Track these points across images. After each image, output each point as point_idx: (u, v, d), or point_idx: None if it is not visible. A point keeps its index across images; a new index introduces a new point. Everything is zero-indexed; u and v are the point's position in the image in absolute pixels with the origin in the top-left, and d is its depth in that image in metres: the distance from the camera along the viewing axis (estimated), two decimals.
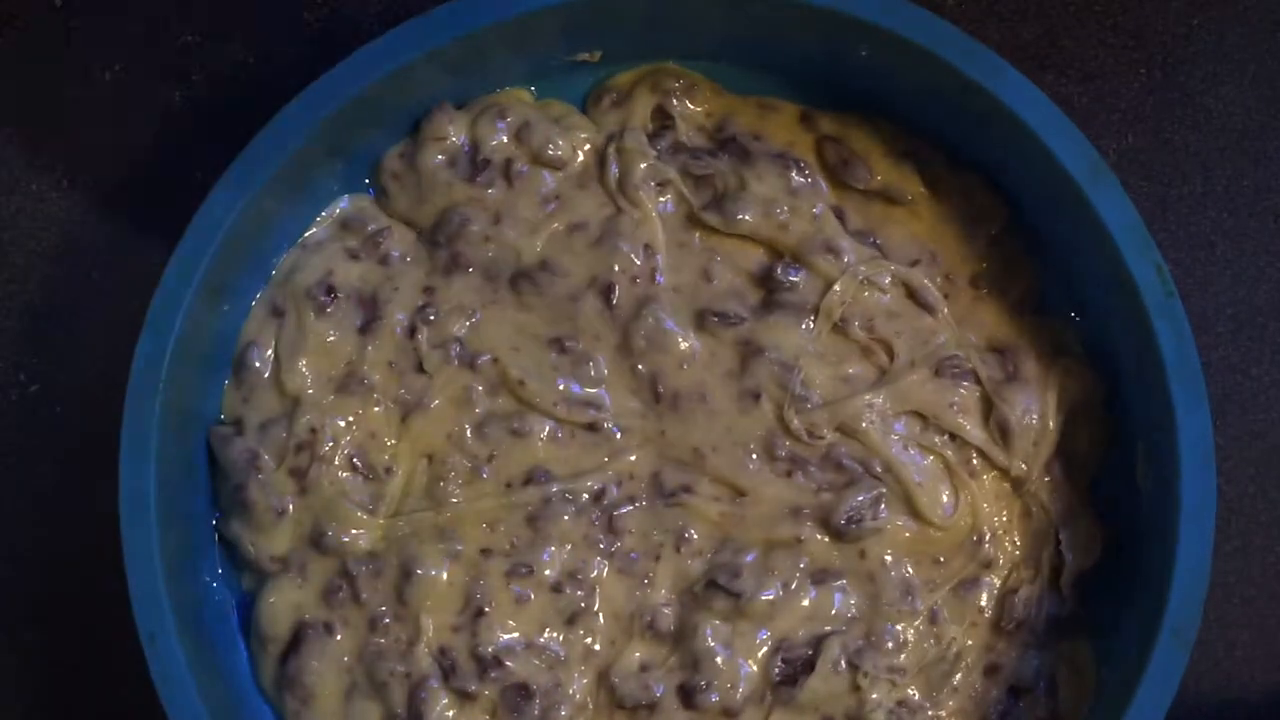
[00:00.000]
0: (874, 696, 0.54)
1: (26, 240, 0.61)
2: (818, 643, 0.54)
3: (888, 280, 0.56)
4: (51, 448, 0.60)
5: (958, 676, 0.55)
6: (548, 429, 0.55)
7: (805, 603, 0.54)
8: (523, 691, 0.54)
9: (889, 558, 0.55)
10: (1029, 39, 0.61)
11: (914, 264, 0.56)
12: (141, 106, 0.61)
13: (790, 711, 0.54)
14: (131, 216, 0.60)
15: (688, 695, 0.54)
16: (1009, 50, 0.55)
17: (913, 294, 0.56)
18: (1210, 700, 0.58)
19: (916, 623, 0.55)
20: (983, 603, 0.55)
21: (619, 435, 0.55)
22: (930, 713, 0.55)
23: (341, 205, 0.58)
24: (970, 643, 0.55)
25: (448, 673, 0.54)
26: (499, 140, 0.56)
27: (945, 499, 0.55)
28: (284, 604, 0.55)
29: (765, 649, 0.54)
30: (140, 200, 0.61)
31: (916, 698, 0.55)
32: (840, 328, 0.56)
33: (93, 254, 0.60)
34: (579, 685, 0.55)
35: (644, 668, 0.55)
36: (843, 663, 0.54)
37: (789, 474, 0.55)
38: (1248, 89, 0.61)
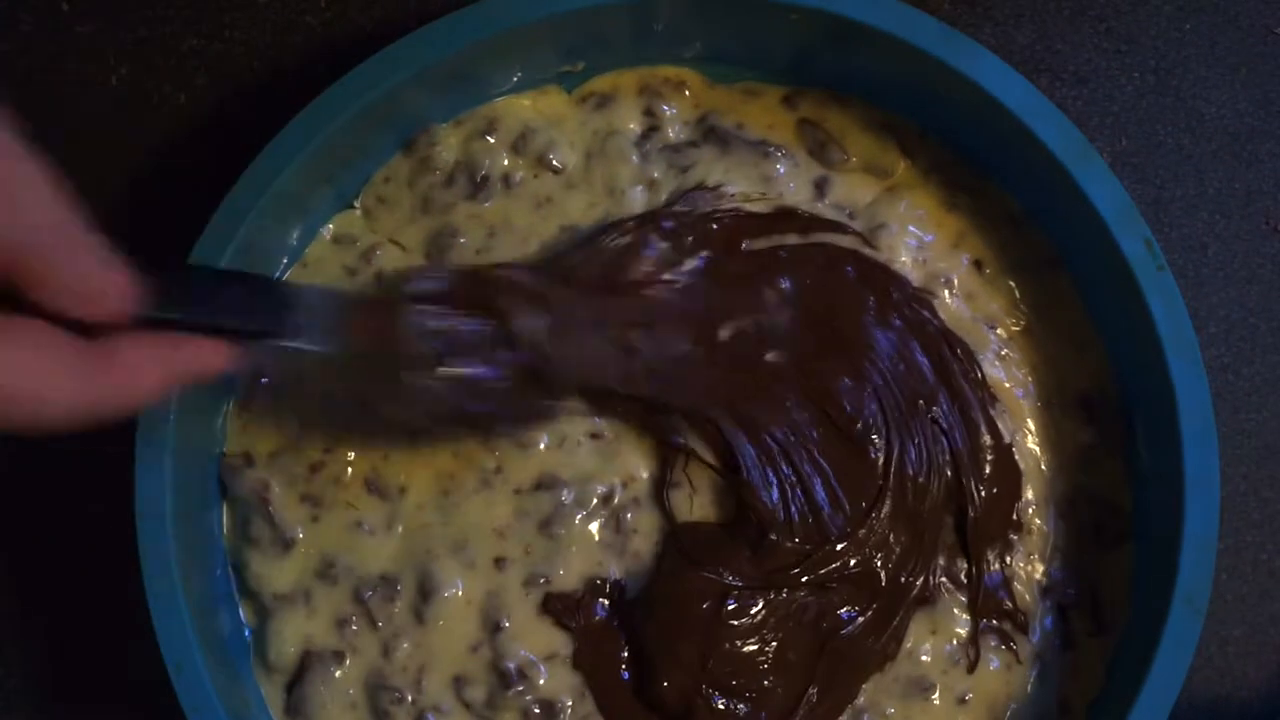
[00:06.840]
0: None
1: None
2: None
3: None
4: (51, 447, 0.60)
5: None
6: (552, 439, 0.55)
7: None
8: (547, 707, 0.54)
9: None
10: (1023, 43, 0.61)
11: (879, 226, 0.56)
12: (146, 110, 0.61)
13: None
14: (134, 219, 0.60)
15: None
16: (1003, 53, 0.56)
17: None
18: (1203, 697, 0.58)
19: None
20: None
21: (620, 440, 0.55)
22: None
23: (332, 225, 0.57)
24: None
25: (466, 698, 0.54)
26: (495, 154, 0.57)
27: None
28: (292, 634, 0.54)
29: None
30: (143, 203, 0.61)
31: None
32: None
33: None
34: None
35: None
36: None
37: None
38: (1239, 92, 0.61)
